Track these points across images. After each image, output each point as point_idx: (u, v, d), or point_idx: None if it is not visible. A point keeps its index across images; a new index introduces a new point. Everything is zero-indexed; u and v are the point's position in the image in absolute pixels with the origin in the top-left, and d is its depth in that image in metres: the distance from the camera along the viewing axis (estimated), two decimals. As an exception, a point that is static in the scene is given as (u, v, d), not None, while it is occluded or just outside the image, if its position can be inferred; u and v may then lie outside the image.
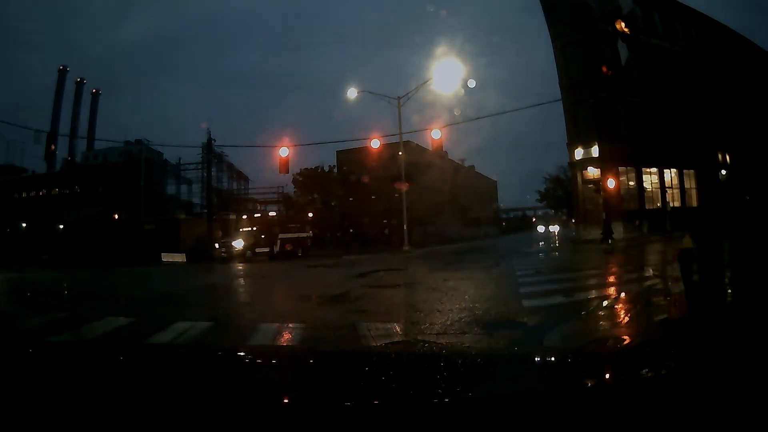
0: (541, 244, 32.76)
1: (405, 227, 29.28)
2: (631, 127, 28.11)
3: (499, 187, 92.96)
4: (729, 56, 31.14)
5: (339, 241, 41.98)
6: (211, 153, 36.41)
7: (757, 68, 32.18)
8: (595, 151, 27.22)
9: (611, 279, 11.93)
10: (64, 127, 76.95)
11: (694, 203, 29.74)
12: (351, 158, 51.75)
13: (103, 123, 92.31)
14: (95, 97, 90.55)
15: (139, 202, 47.40)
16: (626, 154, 27.01)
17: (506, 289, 10.02)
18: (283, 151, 29.12)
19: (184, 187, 56.07)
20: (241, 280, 15.96)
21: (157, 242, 29.34)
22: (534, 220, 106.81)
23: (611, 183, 26.02)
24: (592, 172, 27.78)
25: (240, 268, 21.33)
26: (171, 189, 56.80)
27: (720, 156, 31.42)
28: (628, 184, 28.09)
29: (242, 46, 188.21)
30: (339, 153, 51.26)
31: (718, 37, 32.05)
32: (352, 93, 30.21)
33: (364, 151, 45.57)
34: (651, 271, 11.58)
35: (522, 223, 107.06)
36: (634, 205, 27.68)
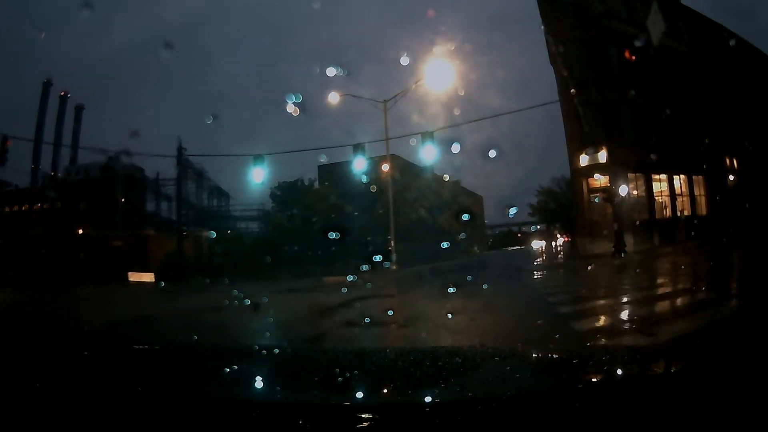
0: (539, 260, 30.04)
1: (392, 243, 26.44)
2: (639, 131, 25.69)
3: (484, 202, 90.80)
4: (733, 59, 29.16)
5: (320, 259, 39.49)
6: (182, 162, 33.89)
7: (759, 72, 30.26)
8: (602, 156, 24.67)
9: (678, 302, 9.05)
10: (49, 140, 73.81)
11: (704, 211, 27.26)
12: (333, 172, 49.62)
13: (87, 138, 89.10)
14: (78, 111, 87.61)
15: (124, 218, 44.47)
16: (635, 160, 24.55)
17: (550, 324, 7.04)
18: (257, 160, 26.34)
19: (165, 204, 53.09)
20: (188, 312, 12.63)
21: (125, 260, 27.32)
22: (519, 235, 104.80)
23: (623, 190, 23.45)
24: (599, 179, 25.20)
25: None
26: (153, 206, 54.21)
27: (728, 161, 29.14)
28: (637, 192, 25.49)
29: (222, 63, 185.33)
30: (321, 167, 49.19)
31: (720, 39, 30.01)
32: (333, 97, 27.57)
33: (346, 165, 43.86)
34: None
35: (507, 240, 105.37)
36: (644, 215, 25.13)
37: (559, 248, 53.68)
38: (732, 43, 29.66)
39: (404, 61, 24.21)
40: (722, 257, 16.44)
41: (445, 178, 67.23)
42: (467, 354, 2.25)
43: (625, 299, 9.82)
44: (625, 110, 25.53)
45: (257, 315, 9.60)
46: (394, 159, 40.62)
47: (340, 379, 1.70)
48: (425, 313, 9.02)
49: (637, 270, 17.04)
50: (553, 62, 38.94)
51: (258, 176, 27.61)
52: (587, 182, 25.57)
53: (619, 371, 1.85)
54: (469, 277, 18.44)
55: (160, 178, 47.45)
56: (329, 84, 27.79)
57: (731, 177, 28.72)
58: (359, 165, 25.09)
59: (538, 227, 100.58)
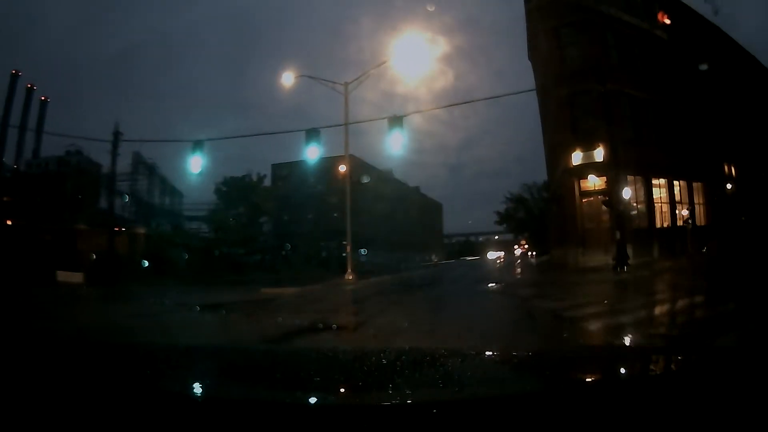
0: (519, 273, 26.39)
1: (348, 250, 22.37)
2: (638, 130, 22.38)
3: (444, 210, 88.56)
4: (734, 65, 26.70)
5: (269, 265, 35.47)
6: (117, 147, 30.39)
7: (758, 81, 27.89)
8: (598, 154, 21.17)
9: None
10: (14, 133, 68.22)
11: (703, 221, 24.24)
12: (288, 172, 46.05)
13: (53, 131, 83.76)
14: (44, 104, 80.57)
15: (72, 213, 40.11)
16: (634, 161, 21.21)
17: None
18: (196, 146, 22.47)
19: (119, 201, 50.07)
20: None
21: (55, 256, 24.27)
22: (477, 247, 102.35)
23: (627, 193, 20.00)
24: (594, 181, 21.69)
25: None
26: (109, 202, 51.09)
27: (726, 168, 26.38)
28: (636, 197, 22.07)
29: (184, 63, 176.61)
30: (275, 166, 45.79)
31: (719, 42, 27.41)
32: (288, 79, 23.56)
33: (302, 164, 39.97)
34: None
35: (465, 249, 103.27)
36: (643, 223, 21.78)
37: (532, 258, 50.84)
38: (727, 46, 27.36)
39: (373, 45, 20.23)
40: (743, 272, 13.20)
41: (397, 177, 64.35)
42: (465, 355, 2.23)
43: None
44: (624, 105, 22.21)
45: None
46: (353, 160, 40.81)
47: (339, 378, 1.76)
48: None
49: (658, 287, 13.52)
50: (531, 57, 35.95)
51: (196, 165, 23.90)
52: (579, 184, 21.98)
53: (615, 371, 1.88)
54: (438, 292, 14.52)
55: (114, 173, 44.00)
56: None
57: (729, 185, 25.96)
58: (312, 154, 20.92)
59: (497, 237, 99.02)
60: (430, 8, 35.20)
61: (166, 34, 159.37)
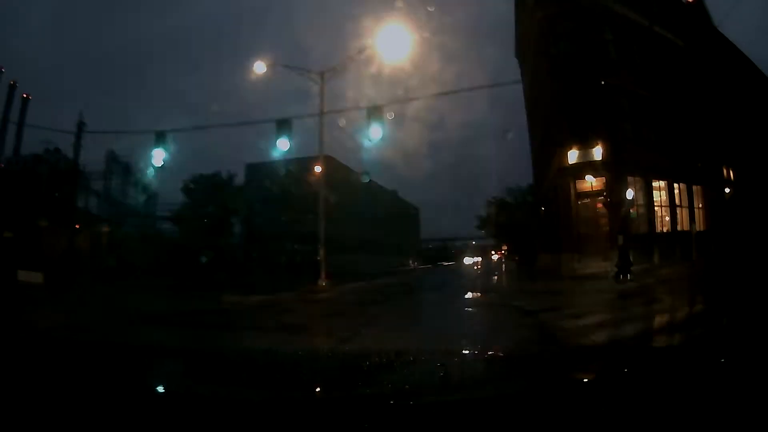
0: (508, 278, 24.54)
1: (321, 254, 20.36)
2: (637, 128, 20.72)
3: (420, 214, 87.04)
4: (731, 69, 25.50)
5: (237, 268, 33.42)
6: (80, 137, 30.37)
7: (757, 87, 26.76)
8: (597, 153, 19.46)
9: None
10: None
11: (703, 226, 22.78)
12: (262, 172, 44.37)
13: (34, 130, 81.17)
14: (25, 102, 77.07)
15: (47, 212, 38.07)
16: (633, 161, 19.62)
17: None
18: (158, 138, 20.75)
19: (94, 200, 48.31)
20: None
21: (16, 255, 23.37)
22: (453, 252, 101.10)
23: (630, 194, 18.32)
24: (591, 181, 19.97)
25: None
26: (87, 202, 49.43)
27: (725, 172, 25.07)
28: (636, 199, 20.41)
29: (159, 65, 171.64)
30: (249, 166, 43.85)
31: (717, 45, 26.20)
32: (260, 67, 21.66)
33: (277, 165, 37.55)
34: None
35: (442, 254, 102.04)
36: (643, 227, 20.12)
37: (479, 265, 49.19)
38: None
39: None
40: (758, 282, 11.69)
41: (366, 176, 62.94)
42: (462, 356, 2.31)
43: None
44: (623, 102, 20.62)
45: None
46: (330, 161, 38.68)
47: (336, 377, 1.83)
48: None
49: (677, 299, 11.81)
50: (519, 53, 34.46)
51: (158, 158, 21.68)
52: (575, 185, 20.23)
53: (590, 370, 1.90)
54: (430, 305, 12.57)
55: (87, 171, 39.85)
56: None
57: (727, 190, 24.64)
58: (283, 146, 18.95)
59: (474, 242, 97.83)
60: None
61: (145, 38, 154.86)
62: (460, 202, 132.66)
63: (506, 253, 69.22)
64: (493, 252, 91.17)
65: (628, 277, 16.31)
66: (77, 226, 30.32)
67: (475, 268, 51.85)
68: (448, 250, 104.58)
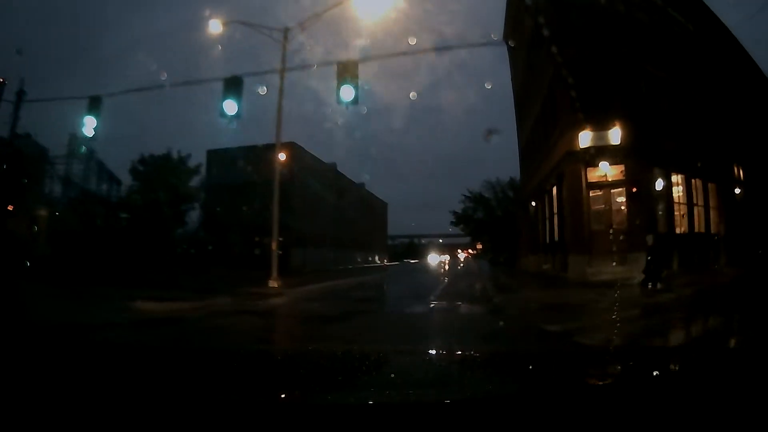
0: (501, 281, 21.37)
1: (273, 248, 16.85)
2: (655, 114, 17.78)
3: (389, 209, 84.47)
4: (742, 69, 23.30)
5: (190, 260, 30.40)
6: (19, 110, 26.97)
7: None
8: (614, 136, 16.43)
9: None
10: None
11: (717, 227, 20.26)
12: (224, 159, 41.74)
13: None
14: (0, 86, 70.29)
15: (14, 198, 34.05)
16: (656, 148, 16.74)
17: None
18: (92, 105, 17.35)
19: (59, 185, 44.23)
20: None
21: None
22: (420, 249, 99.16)
23: (660, 184, 15.40)
24: (606, 170, 16.92)
25: None
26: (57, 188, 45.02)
27: (736, 170, 22.67)
28: (655, 194, 17.51)
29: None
30: (210, 152, 40.39)
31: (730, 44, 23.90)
32: (215, 26, 18.06)
33: (240, 152, 36.28)
34: None
35: (409, 251, 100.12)
36: (662, 227, 17.22)
37: (446, 264, 46.32)
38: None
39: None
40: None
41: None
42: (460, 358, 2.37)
43: None
44: (641, 82, 17.69)
45: None
46: (295, 149, 36.01)
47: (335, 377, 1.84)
48: None
49: (734, 314, 8.88)
50: (507, 36, 31.46)
51: (89, 128, 18.23)
52: (586, 173, 17.16)
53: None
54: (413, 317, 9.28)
55: (51, 155, 38.11)
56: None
57: (737, 190, 22.22)
58: (230, 108, 15.34)
59: (441, 240, 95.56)
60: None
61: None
62: (431, 198, 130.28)
63: (479, 252, 66.74)
64: (459, 251, 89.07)
65: (657, 286, 13.38)
66: (10, 208, 27.12)
67: (443, 266, 47.59)
68: (416, 247, 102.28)
